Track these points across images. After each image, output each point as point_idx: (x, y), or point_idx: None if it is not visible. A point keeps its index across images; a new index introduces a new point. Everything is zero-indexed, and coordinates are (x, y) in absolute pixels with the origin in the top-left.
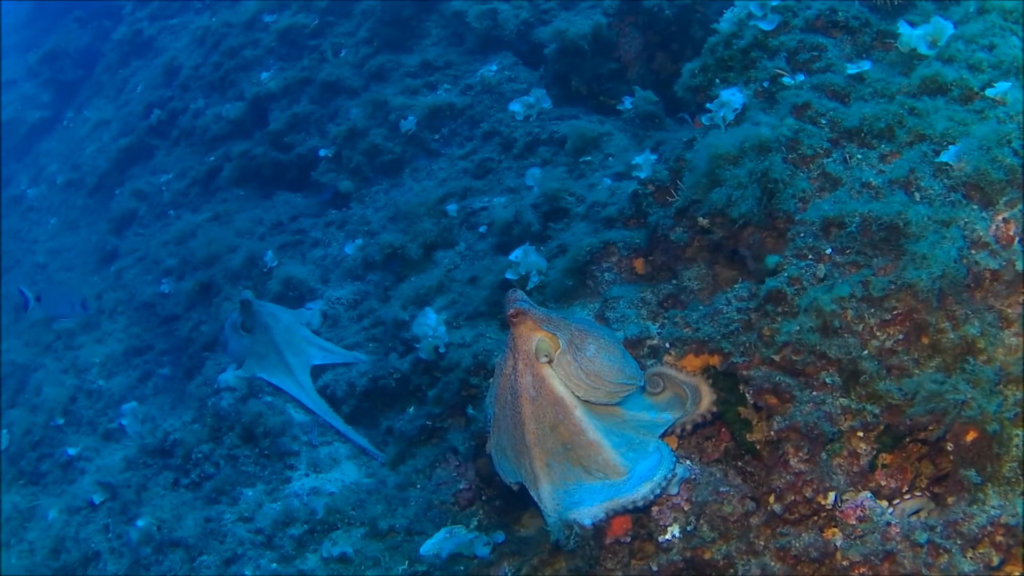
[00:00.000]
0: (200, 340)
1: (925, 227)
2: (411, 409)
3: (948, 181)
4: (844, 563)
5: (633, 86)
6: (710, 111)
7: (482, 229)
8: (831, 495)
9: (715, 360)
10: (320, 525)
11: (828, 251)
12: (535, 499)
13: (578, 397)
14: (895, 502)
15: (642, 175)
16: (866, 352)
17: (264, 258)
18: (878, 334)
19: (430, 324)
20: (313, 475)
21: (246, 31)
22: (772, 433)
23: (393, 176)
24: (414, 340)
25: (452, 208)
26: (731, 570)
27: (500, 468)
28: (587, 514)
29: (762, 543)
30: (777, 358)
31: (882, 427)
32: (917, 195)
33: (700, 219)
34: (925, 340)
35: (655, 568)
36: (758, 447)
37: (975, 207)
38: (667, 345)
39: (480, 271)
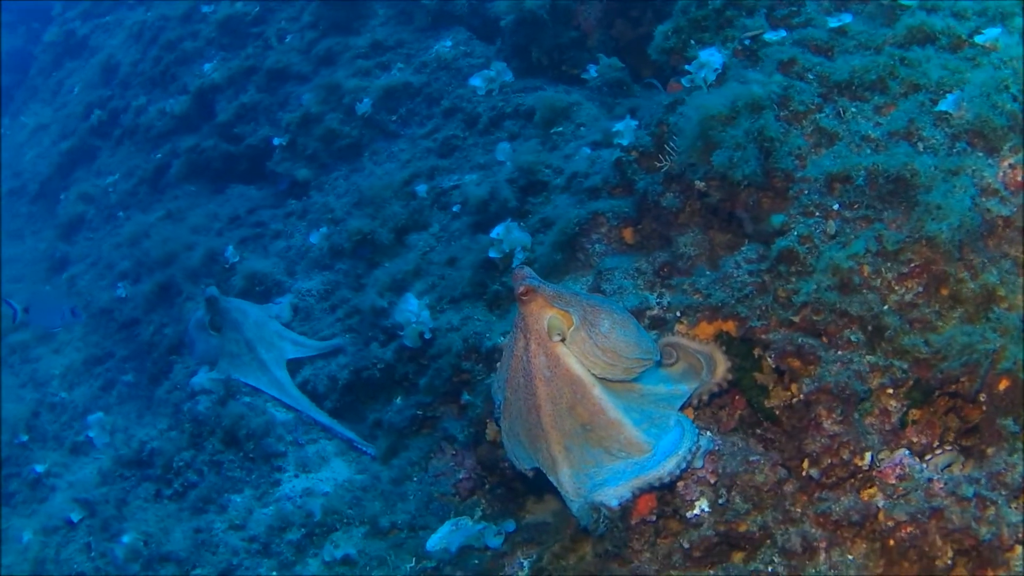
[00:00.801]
0: (164, 344)
1: (934, 177)
2: (398, 400)
3: (949, 130)
4: (889, 523)
5: (596, 54)
6: (689, 72)
7: (456, 208)
8: (867, 455)
9: (729, 326)
10: (318, 528)
11: (835, 207)
12: (554, 484)
13: (595, 375)
14: (927, 458)
15: (624, 142)
16: (887, 307)
17: (225, 254)
18: (896, 288)
19: (412, 310)
20: (303, 475)
21: (184, 23)
22: (801, 396)
23: (352, 161)
24: (396, 328)
25: (421, 189)
26: (768, 541)
27: (513, 455)
28: (613, 495)
29: (799, 510)
30: (797, 319)
31: (911, 382)
32: (920, 145)
33: (697, 182)
34: (944, 292)
35: (686, 545)
36: (777, 412)
37: (980, 155)
38: (678, 314)
39: (459, 252)
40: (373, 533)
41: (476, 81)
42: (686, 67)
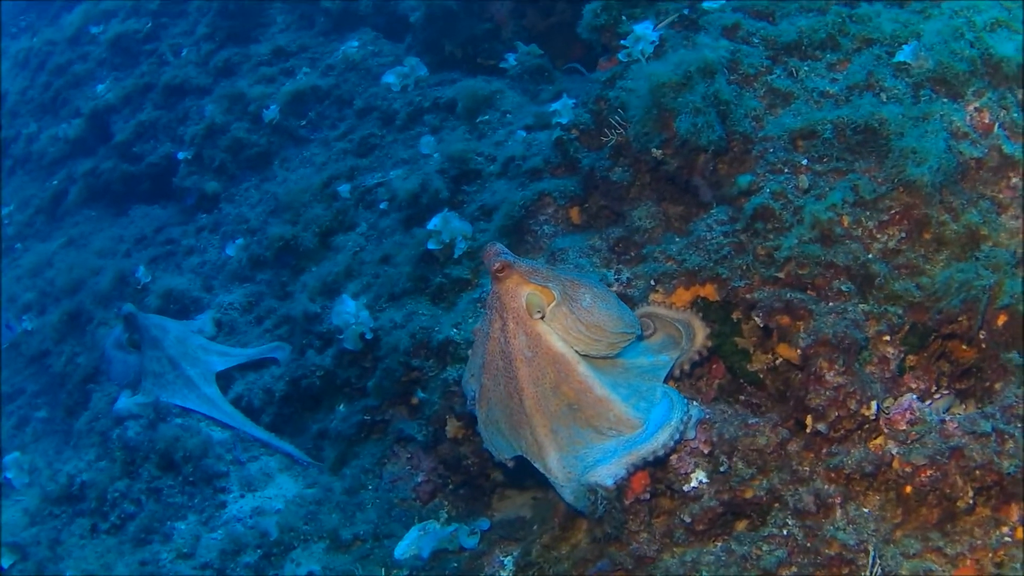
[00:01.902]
0: (78, 374)
1: (904, 124)
2: (341, 407)
3: (910, 79)
4: (906, 470)
5: (515, 43)
6: (624, 48)
7: (383, 205)
8: (873, 405)
9: (708, 290)
10: (275, 547)
11: (804, 162)
12: (541, 471)
13: (578, 352)
14: (926, 403)
15: (564, 120)
16: (872, 255)
17: (136, 274)
18: (879, 236)
19: (350, 311)
20: (249, 495)
21: (73, 46)
22: (798, 351)
23: (262, 170)
24: (334, 332)
25: (343, 189)
26: (777, 504)
27: (492, 444)
28: (607, 474)
29: (808, 468)
30: (781, 275)
31: (907, 327)
32: (883, 96)
33: (654, 151)
34: (927, 235)
35: (687, 519)
36: (761, 376)
37: (945, 100)
38: (652, 283)
39: (392, 248)
40: (335, 547)
41: (390, 78)
42: (621, 42)
